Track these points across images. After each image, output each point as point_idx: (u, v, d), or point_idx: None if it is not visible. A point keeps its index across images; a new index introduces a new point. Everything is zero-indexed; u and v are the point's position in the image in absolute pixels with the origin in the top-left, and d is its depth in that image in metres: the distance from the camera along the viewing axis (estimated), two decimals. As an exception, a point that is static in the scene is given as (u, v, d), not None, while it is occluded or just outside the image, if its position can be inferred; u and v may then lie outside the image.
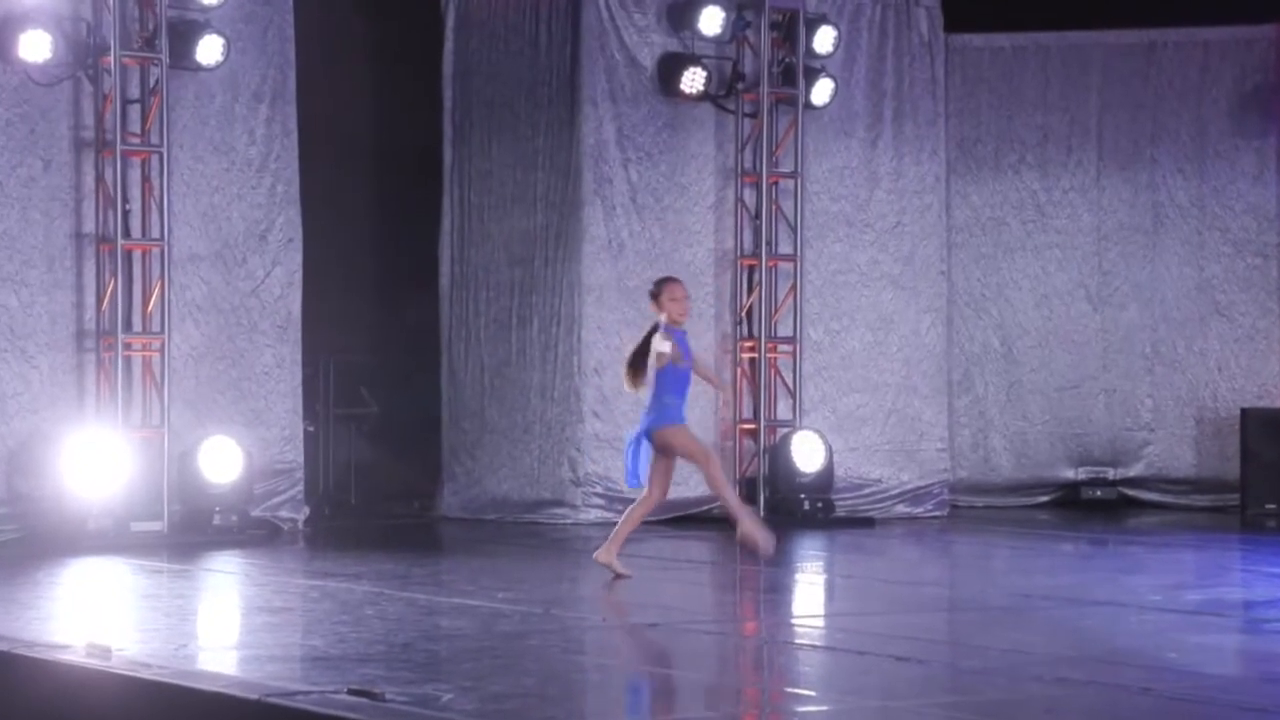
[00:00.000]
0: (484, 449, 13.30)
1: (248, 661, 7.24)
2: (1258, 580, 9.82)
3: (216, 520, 11.68)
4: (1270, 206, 14.59)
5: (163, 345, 11.78)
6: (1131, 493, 14.53)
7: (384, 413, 13.84)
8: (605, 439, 12.99)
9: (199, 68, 11.95)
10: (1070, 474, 14.61)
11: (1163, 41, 14.60)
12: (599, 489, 12.97)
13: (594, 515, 12.88)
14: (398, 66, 13.89)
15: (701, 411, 13.38)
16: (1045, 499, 14.56)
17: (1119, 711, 6.34)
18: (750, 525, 9.42)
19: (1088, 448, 14.61)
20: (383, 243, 14.14)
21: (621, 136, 13.14)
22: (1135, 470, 14.60)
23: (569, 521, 12.86)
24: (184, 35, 11.85)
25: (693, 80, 13.16)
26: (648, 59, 13.23)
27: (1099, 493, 14.49)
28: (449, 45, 13.48)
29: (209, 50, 11.89)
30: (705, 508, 13.28)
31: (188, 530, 11.59)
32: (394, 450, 13.86)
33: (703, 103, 13.34)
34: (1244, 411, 14.08)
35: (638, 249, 13.21)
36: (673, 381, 9.41)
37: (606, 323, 13.06)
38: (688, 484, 13.28)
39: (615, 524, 13.02)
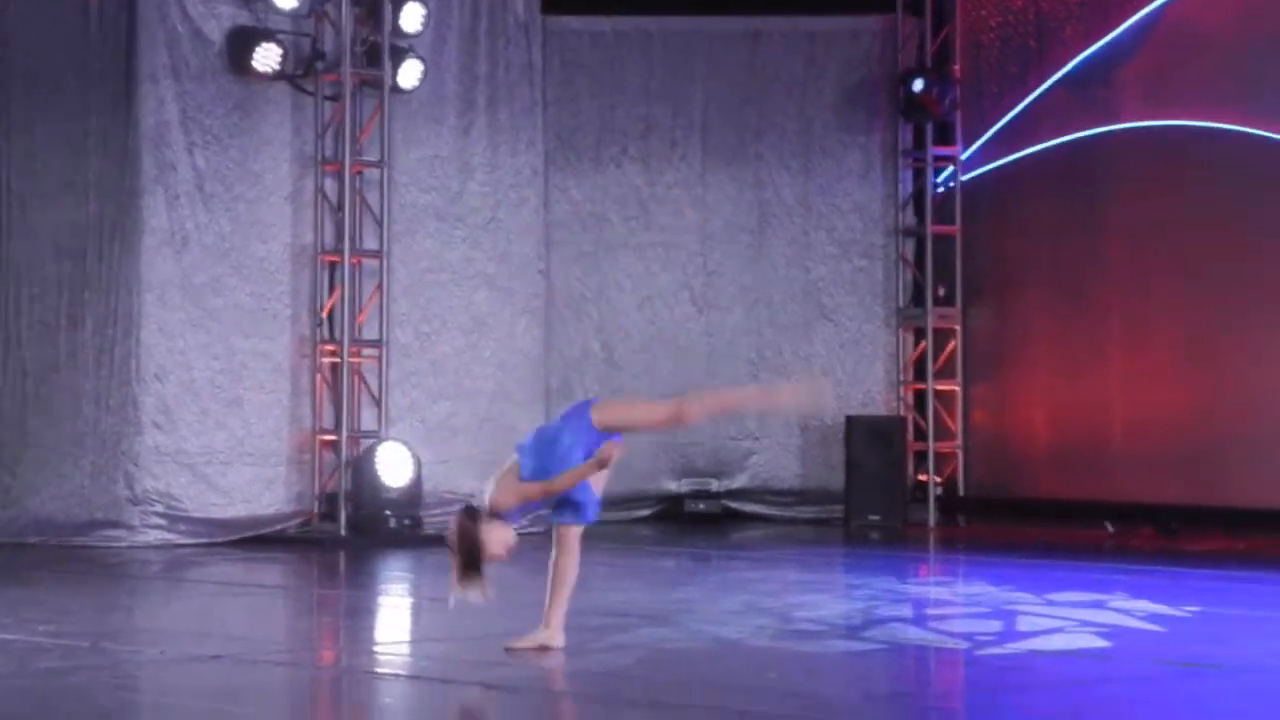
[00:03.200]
0: (25, 465, 12.81)
1: None
2: (858, 596, 10.11)
3: None
4: (875, 206, 15.13)
5: None
6: (735, 505, 14.88)
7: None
8: (167, 452, 12.69)
9: None
10: (673, 486, 14.87)
11: (767, 31, 15.00)
12: (159, 508, 12.65)
13: (153, 537, 12.58)
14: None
15: (276, 421, 13.18)
16: (647, 513, 14.77)
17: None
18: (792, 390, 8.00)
19: (691, 458, 14.88)
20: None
21: (186, 118, 12.83)
22: (739, 482, 14.95)
23: (125, 544, 12.48)
24: None
25: (266, 58, 12.93)
26: (215, 32, 12.94)
27: (702, 505, 14.79)
28: (-18, 11, 13.01)
29: None
30: (278, 527, 13.10)
31: None
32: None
33: (278, 83, 13.12)
34: (849, 420, 14.55)
35: (205, 243, 12.92)
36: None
37: (169, 323, 12.76)
38: (258, 501, 13.07)
39: (179, 545, 12.71)
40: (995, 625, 8.74)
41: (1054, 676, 7.46)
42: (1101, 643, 8.20)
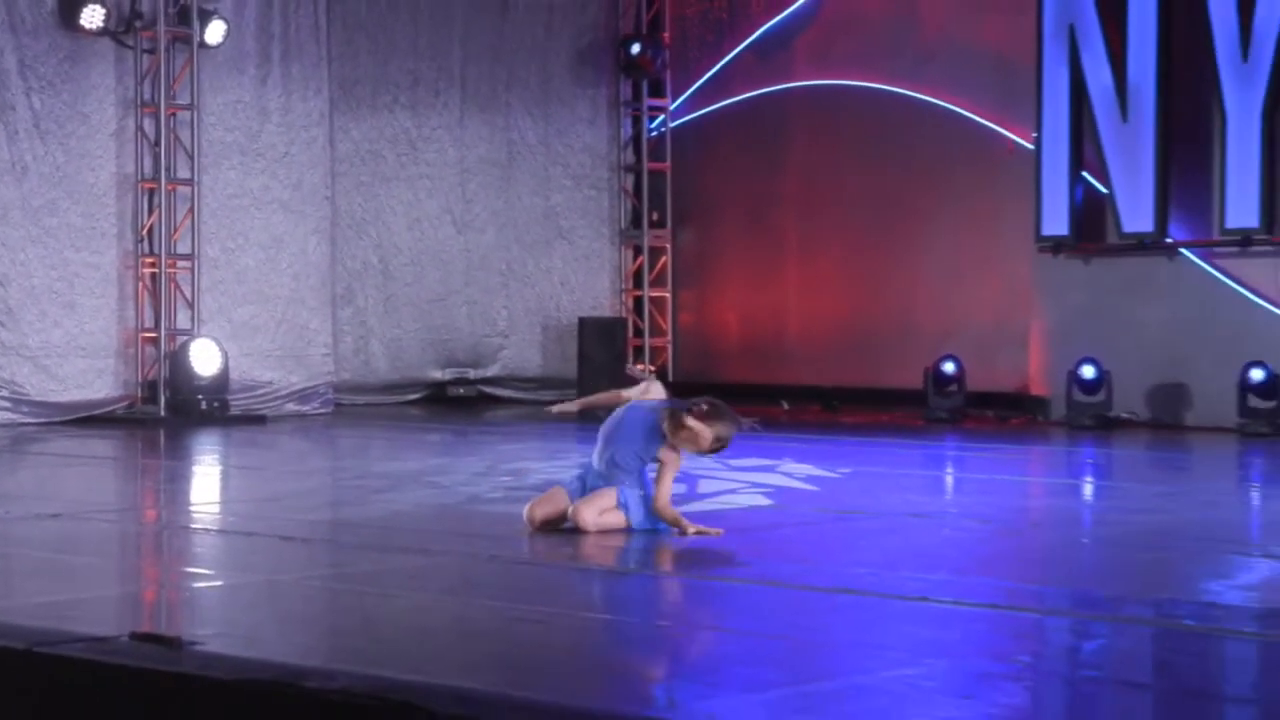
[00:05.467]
0: (-114, 358, 12.45)
1: None
2: (581, 463, 10.27)
3: None
4: (602, 146, 15.40)
5: None
6: (489, 390, 15.05)
7: None
8: (11, 347, 12.47)
9: None
10: (438, 375, 14.97)
11: (514, 1, 15.05)
12: (5, 393, 12.42)
13: (1, 418, 12.32)
14: None
15: (105, 321, 13.00)
16: (416, 396, 14.84)
17: (470, 575, 6.58)
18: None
19: (453, 352, 15.01)
20: None
21: (24, 66, 12.51)
22: (492, 371, 15.12)
23: (-25, 425, 12.25)
24: None
25: (92, 17, 12.65)
26: (48, -6, 12.61)
27: (462, 390, 14.92)
28: None
29: None
30: (108, 409, 12.95)
31: None
32: None
33: (103, 38, 12.83)
34: (581, 320, 14.81)
35: (42, 172, 12.64)
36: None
37: (11, 239, 12.51)
38: (91, 387, 12.89)
39: (22, 424, 12.48)
40: (680, 488, 8.91)
41: (734, 524, 7.67)
42: (767, 502, 8.37)
